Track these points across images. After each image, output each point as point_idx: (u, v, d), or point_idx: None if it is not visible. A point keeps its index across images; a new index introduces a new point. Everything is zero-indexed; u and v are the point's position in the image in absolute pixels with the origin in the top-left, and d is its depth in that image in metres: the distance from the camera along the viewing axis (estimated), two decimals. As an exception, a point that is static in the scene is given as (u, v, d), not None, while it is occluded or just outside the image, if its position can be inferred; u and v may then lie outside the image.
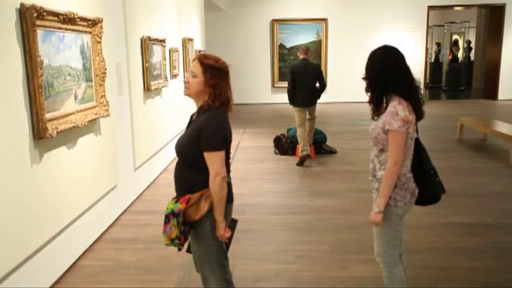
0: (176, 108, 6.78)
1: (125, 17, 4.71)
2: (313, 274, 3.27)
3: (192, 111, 2.42)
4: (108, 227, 4.12)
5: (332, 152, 6.89)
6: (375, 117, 2.39)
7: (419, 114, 2.34)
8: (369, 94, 2.39)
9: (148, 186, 5.35)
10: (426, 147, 2.48)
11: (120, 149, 4.49)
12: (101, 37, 3.78)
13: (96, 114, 3.72)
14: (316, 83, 6.41)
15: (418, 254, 3.50)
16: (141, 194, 5.08)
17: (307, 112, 6.46)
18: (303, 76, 6.30)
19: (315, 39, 12.70)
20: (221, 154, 2.20)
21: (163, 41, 5.99)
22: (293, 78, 6.33)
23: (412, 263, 3.17)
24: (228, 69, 2.28)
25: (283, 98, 12.13)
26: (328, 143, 7.01)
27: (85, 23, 3.53)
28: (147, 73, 5.29)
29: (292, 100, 6.39)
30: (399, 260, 2.46)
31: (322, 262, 3.43)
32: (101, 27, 3.77)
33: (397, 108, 2.25)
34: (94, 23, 3.66)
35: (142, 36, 5.20)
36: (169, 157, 6.39)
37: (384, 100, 2.34)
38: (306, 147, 6.35)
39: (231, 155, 2.39)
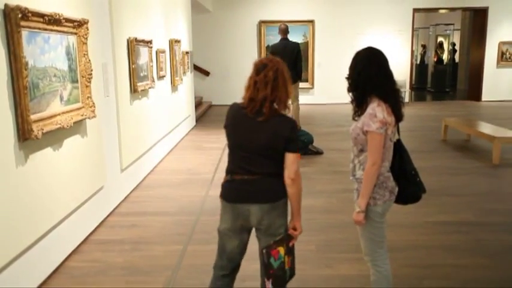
0: (163, 110, 6.77)
1: (111, 18, 4.69)
2: (300, 273, 3.27)
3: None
4: (94, 229, 4.10)
5: (318, 152, 6.94)
6: (356, 118, 2.42)
7: (398, 116, 2.36)
8: (350, 94, 2.43)
9: (135, 188, 5.34)
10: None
11: (107, 150, 4.48)
12: (86, 38, 3.77)
13: (82, 115, 3.70)
14: (295, 63, 6.57)
15: (402, 252, 3.55)
16: (128, 196, 5.07)
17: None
18: (282, 56, 6.56)
19: (302, 41, 12.76)
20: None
21: (150, 42, 5.98)
22: None
23: (396, 261, 3.22)
24: (255, 63, 2.42)
25: (270, 99, 12.19)
26: (314, 143, 7.06)
27: (71, 24, 3.52)
28: (134, 74, 5.28)
29: None
30: (385, 258, 2.49)
31: (308, 261, 3.46)
32: (87, 29, 3.76)
33: (375, 110, 2.28)
34: (80, 24, 3.65)
35: (129, 38, 5.18)
36: (157, 158, 6.38)
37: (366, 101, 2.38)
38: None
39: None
